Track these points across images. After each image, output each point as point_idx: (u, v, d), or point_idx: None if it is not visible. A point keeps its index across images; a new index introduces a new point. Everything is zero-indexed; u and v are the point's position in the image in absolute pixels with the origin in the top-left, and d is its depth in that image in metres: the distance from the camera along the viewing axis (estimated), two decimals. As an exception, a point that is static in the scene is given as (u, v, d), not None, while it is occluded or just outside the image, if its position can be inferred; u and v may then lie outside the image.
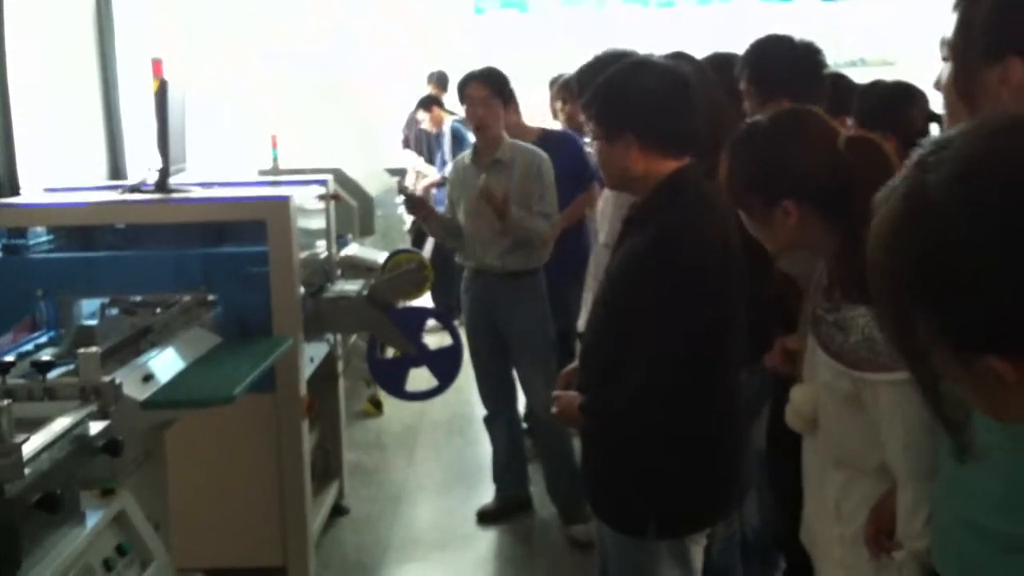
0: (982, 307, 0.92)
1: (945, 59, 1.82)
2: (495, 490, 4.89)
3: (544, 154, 4.56)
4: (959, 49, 1.77)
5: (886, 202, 0.99)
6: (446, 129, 8.45)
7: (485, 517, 4.80)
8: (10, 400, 2.00)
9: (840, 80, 3.61)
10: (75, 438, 2.19)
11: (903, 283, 0.97)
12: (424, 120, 8.59)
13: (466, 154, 4.76)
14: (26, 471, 1.95)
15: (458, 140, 8.20)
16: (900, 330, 1.01)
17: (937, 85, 1.86)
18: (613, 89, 2.55)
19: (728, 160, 2.22)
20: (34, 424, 2.11)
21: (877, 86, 3.49)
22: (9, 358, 2.55)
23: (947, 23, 1.81)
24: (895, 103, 3.30)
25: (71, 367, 2.63)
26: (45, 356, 2.59)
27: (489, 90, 4.54)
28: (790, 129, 2.16)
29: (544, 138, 4.86)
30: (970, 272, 0.91)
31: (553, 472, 4.70)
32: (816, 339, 2.14)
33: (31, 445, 2.00)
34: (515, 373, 4.74)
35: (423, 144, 8.83)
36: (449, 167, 8.00)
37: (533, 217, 4.45)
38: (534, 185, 4.49)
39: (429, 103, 8.61)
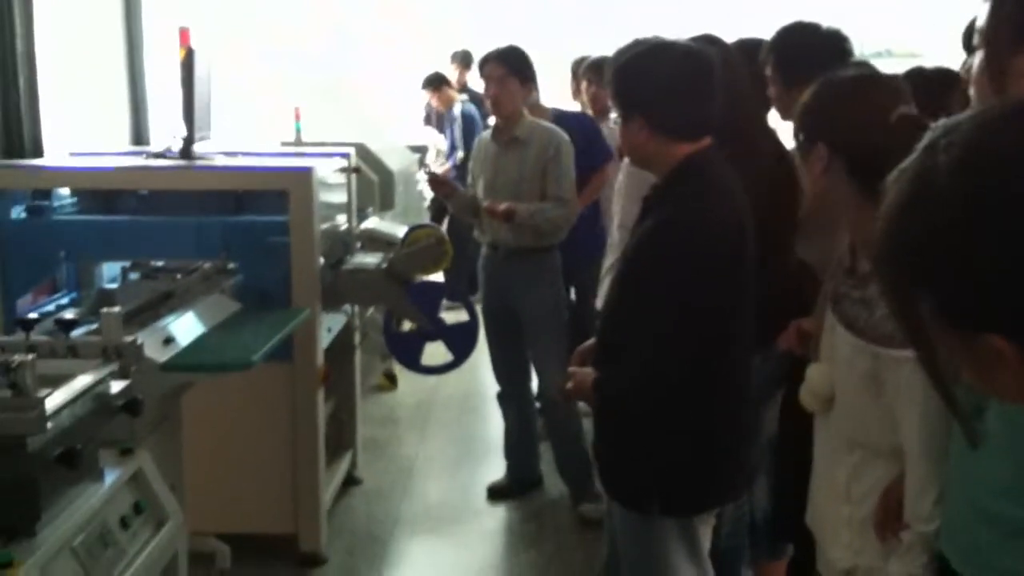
0: (984, 289, 0.93)
1: (976, 47, 1.83)
2: (506, 467, 4.92)
3: (564, 136, 4.56)
4: (990, 36, 1.78)
5: (896, 183, 1.00)
6: (456, 111, 8.36)
7: (495, 493, 4.84)
8: (34, 355, 2.04)
9: (865, 68, 3.60)
10: (96, 396, 2.22)
11: (907, 262, 0.98)
12: (432, 99, 8.53)
13: (487, 131, 4.79)
14: (48, 425, 1.99)
15: (468, 121, 8.12)
16: (903, 308, 1.02)
17: (967, 73, 1.87)
18: (628, 72, 2.57)
19: None
20: (56, 381, 2.13)
21: (920, 72, 3.46)
22: (32, 316, 2.58)
23: (973, 15, 1.81)
24: (937, 89, 3.27)
25: (93, 327, 2.67)
26: (68, 315, 2.62)
27: (505, 68, 4.56)
28: (853, 83, 2.18)
29: (558, 119, 4.87)
30: (972, 255, 0.92)
31: (563, 451, 4.73)
32: (837, 317, 2.15)
33: (53, 400, 2.03)
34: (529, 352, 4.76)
35: (441, 123, 8.78)
36: (460, 152, 8.00)
37: (544, 207, 4.47)
38: (551, 165, 4.50)
39: (436, 82, 8.50)
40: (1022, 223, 0.90)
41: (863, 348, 2.06)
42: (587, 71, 5.74)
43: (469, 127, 8.07)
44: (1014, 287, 0.91)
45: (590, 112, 5.71)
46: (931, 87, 3.26)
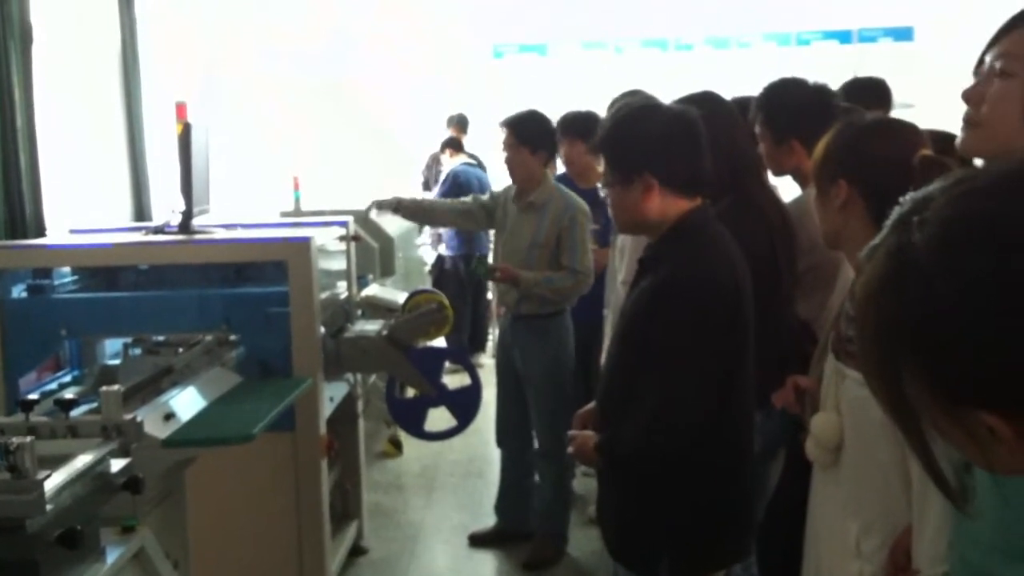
0: (970, 367, 0.91)
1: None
2: (495, 517, 5.00)
3: (582, 205, 4.60)
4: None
5: (870, 260, 0.99)
6: (445, 170, 8.39)
7: (476, 540, 4.94)
8: (33, 437, 2.03)
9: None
10: (96, 475, 2.21)
11: (890, 341, 0.96)
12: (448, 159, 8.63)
13: (511, 194, 4.81)
14: (48, 507, 1.98)
15: (454, 182, 8.08)
16: (887, 385, 0.99)
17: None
18: (627, 132, 2.56)
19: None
20: (56, 461, 2.13)
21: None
22: (33, 396, 2.58)
23: (965, 65, 1.84)
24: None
25: (94, 405, 2.67)
26: (68, 394, 2.62)
27: (513, 137, 4.67)
28: (877, 123, 2.24)
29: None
30: (958, 334, 0.90)
31: (547, 502, 4.80)
32: (846, 364, 2.14)
33: (53, 481, 2.02)
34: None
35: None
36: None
37: (552, 276, 4.54)
38: (564, 235, 4.56)
39: (449, 145, 8.65)
40: (1010, 298, 0.88)
41: None
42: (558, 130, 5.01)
43: (456, 188, 7.97)
44: (1006, 362, 0.89)
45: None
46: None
